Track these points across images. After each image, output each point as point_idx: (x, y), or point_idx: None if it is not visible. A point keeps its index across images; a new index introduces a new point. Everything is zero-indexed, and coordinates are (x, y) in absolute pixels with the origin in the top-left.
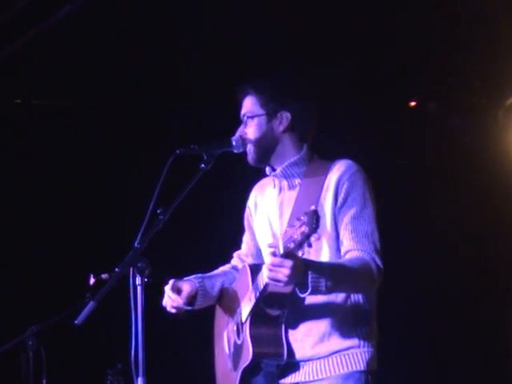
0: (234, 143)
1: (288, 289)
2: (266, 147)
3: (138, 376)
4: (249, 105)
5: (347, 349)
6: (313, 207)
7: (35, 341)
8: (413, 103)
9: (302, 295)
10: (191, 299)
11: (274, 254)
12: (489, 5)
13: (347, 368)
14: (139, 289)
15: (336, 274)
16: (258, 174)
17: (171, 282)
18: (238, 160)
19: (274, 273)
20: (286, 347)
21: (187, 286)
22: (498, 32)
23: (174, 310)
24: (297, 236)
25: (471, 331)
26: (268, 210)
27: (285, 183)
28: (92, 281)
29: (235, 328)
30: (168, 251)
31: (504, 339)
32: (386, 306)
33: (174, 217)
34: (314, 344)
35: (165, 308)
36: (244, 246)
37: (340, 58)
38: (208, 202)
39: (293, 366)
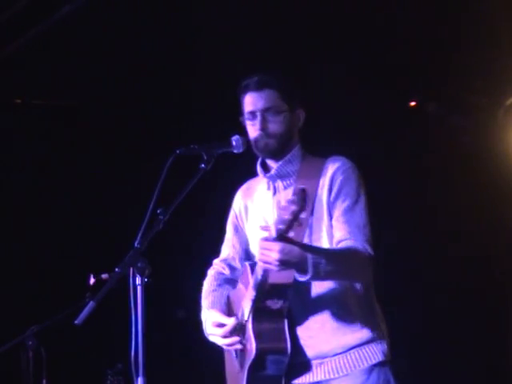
0: (233, 143)
1: (288, 278)
2: (285, 143)
3: (138, 376)
4: (272, 98)
5: (364, 342)
6: (301, 186)
7: (35, 341)
8: (413, 103)
9: (301, 279)
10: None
11: (265, 238)
12: (489, 5)
13: (367, 362)
14: (139, 289)
15: (334, 259)
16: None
17: (212, 320)
18: (237, 160)
19: (265, 256)
20: (289, 342)
21: (228, 319)
22: (498, 32)
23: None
24: (287, 216)
25: (471, 330)
26: (263, 213)
27: (280, 184)
28: (92, 281)
29: (239, 329)
30: (168, 251)
31: (504, 341)
32: (388, 306)
33: (174, 217)
34: (328, 340)
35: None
36: (230, 250)
37: (340, 58)
38: (208, 201)
39: (308, 364)
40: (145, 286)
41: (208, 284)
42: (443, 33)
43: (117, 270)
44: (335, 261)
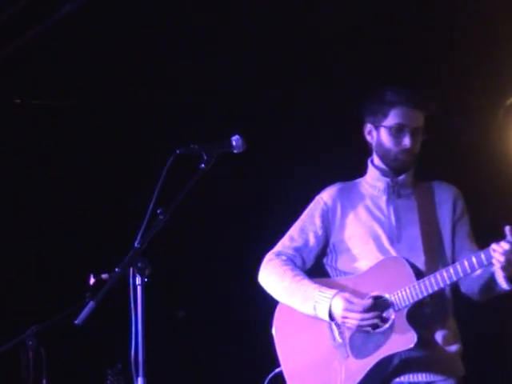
0: (233, 143)
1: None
2: (415, 162)
3: (138, 376)
4: (421, 120)
5: (457, 353)
6: None
7: (35, 341)
8: None
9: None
10: None
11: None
12: (489, 5)
13: (460, 373)
14: (139, 289)
15: None
16: (261, 175)
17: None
18: (238, 160)
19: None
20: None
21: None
22: (498, 32)
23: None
24: None
25: (471, 331)
26: (375, 213)
27: (400, 192)
28: (92, 281)
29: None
30: (168, 251)
31: (503, 341)
32: None
33: (174, 217)
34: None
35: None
36: (310, 239)
37: (339, 58)
38: (208, 201)
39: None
40: (145, 286)
41: (289, 269)
42: (443, 33)
43: (117, 270)
44: None
